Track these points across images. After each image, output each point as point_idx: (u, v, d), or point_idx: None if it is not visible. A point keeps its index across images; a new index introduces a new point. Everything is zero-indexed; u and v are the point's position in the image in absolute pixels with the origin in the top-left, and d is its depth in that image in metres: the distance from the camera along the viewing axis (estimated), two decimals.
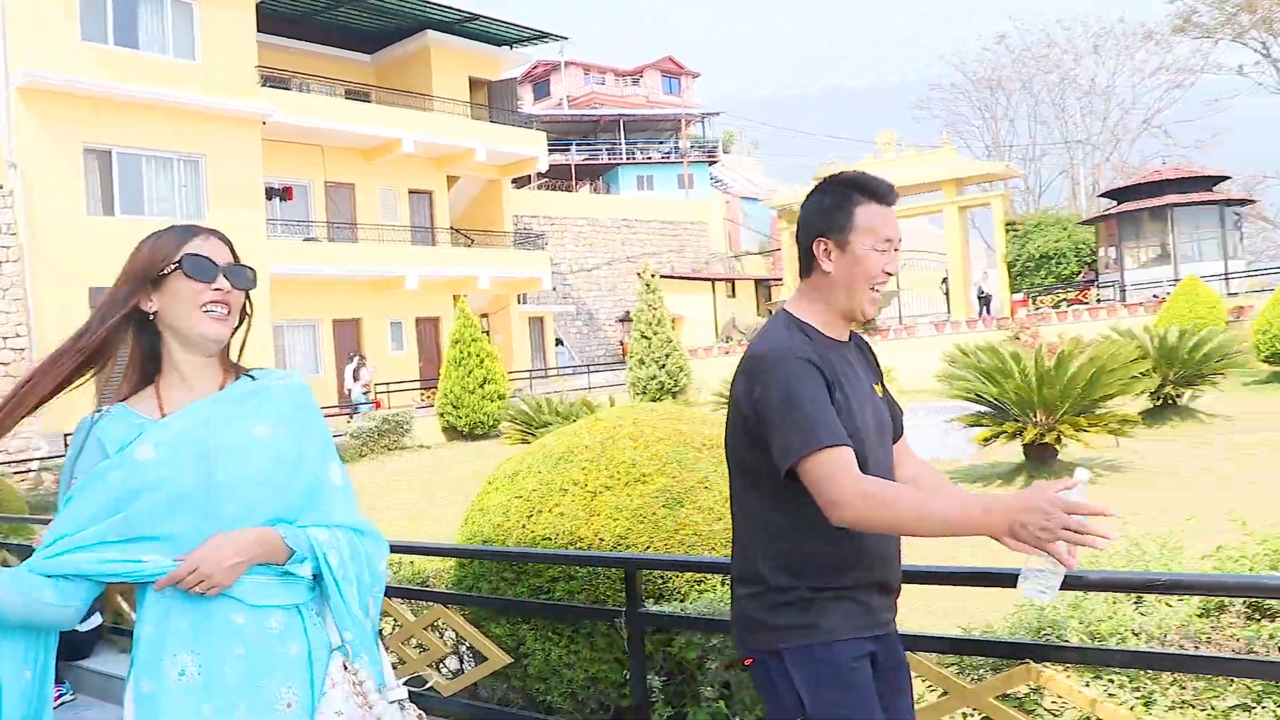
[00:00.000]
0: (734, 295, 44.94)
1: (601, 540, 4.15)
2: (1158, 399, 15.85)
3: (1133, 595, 3.15)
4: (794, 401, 2.27)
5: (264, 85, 26.60)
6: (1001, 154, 50.10)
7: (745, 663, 2.51)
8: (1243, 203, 34.36)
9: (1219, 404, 16.46)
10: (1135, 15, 65.76)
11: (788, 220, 18.50)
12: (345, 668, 2.19)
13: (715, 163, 54.65)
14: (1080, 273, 35.26)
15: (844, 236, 2.42)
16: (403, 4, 30.13)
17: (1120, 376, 11.48)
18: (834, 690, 2.35)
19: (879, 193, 2.45)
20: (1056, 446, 11.60)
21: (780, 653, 2.37)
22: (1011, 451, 12.36)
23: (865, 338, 2.68)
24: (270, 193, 27.37)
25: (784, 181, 53.33)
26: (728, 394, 2.52)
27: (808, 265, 2.50)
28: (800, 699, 2.35)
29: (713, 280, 44.36)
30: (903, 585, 2.58)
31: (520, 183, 42.44)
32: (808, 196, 2.53)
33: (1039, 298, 33.72)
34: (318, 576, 2.20)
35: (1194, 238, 31.69)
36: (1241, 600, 3.04)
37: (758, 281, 46.81)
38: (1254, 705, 2.79)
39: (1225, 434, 14.23)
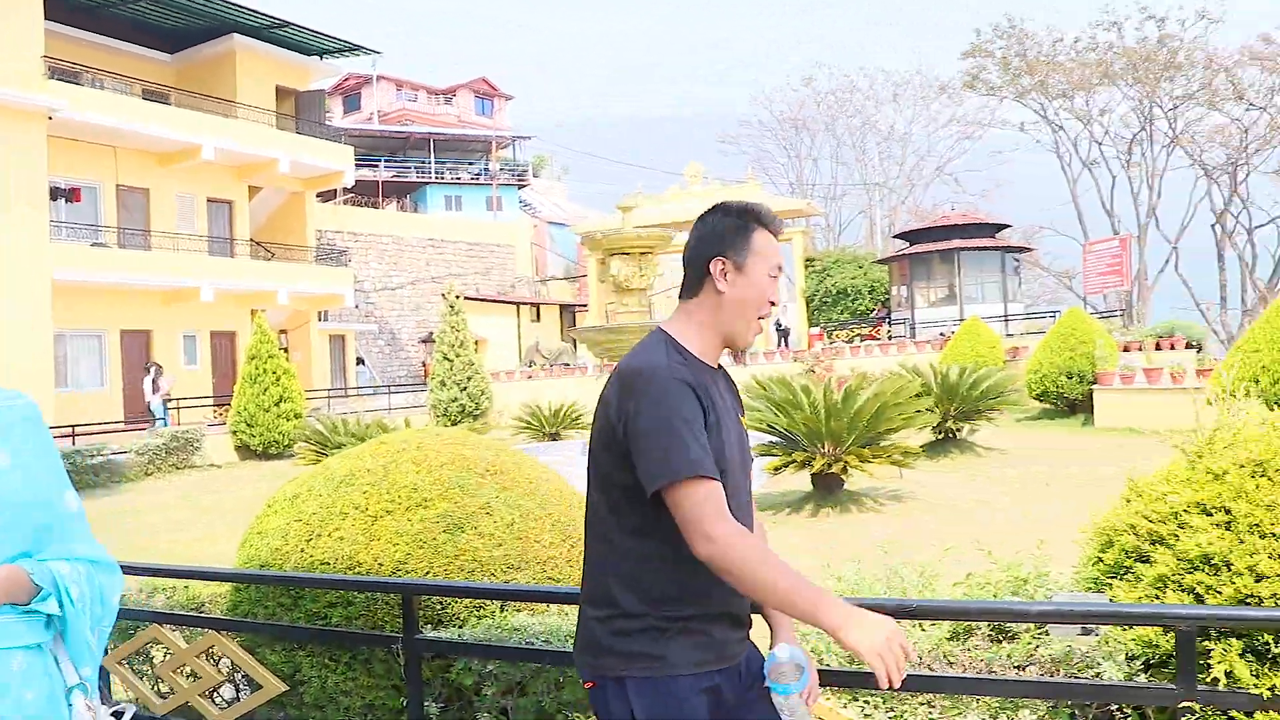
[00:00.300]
0: (539, 320, 44.98)
1: (381, 565, 4.10)
2: (939, 433, 16.65)
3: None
4: (670, 424, 2.24)
5: (51, 78, 25.18)
6: (804, 192, 51.80)
7: (586, 685, 2.46)
8: (1021, 250, 36.52)
9: (995, 438, 17.41)
10: (931, 69, 69.24)
11: (590, 248, 18.67)
12: (88, 706, 2.11)
13: (525, 186, 54.68)
14: (874, 310, 36.78)
15: (742, 258, 2.44)
16: (208, 4, 29.01)
17: (904, 411, 12.02)
18: None
19: (773, 223, 2.51)
20: (843, 476, 12.05)
21: (624, 680, 2.34)
22: (800, 481, 12.77)
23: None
24: (56, 193, 25.92)
25: (591, 208, 53.87)
26: (595, 407, 2.43)
27: (697, 285, 2.48)
28: None
29: (518, 304, 44.31)
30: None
31: (325, 196, 41.47)
32: (704, 218, 2.52)
33: (835, 332, 34.99)
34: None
35: (978, 280, 33.48)
36: (986, 624, 3.24)
37: (563, 307, 46.96)
38: None
39: (999, 467, 15.05)
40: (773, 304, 2.50)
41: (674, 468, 2.21)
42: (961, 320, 27.79)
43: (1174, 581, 2.86)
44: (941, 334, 29.44)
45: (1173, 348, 23.22)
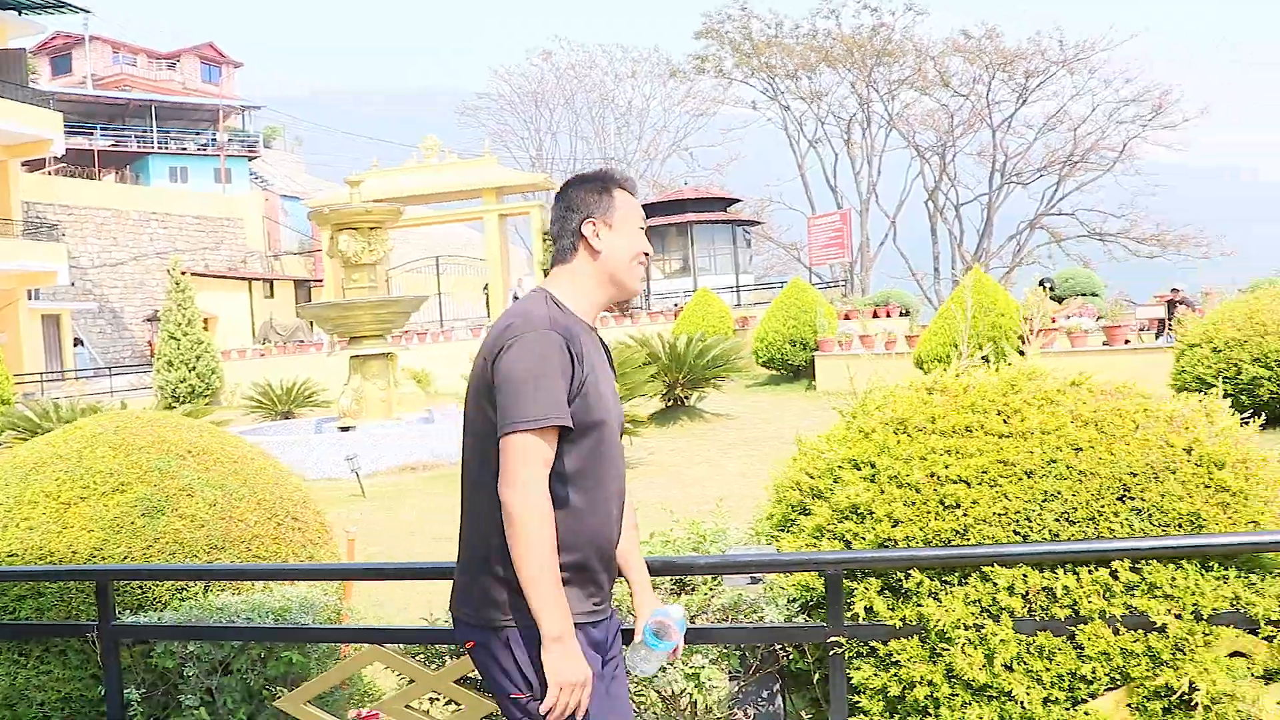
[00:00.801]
0: (272, 295, 43.46)
1: (75, 553, 3.98)
2: (669, 400, 17.20)
3: None
4: (537, 372, 2.31)
5: None
6: (544, 166, 51.99)
7: (467, 645, 2.50)
8: (752, 223, 37.95)
9: (723, 404, 18.14)
10: (668, 46, 70.60)
11: (318, 223, 18.21)
12: None
13: (256, 158, 52.58)
14: None
15: (611, 216, 2.57)
16: None
17: (632, 381, 12.38)
18: None
19: (629, 183, 2.67)
20: None
21: (508, 632, 2.39)
22: None
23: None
24: None
25: (326, 181, 52.31)
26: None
27: (571, 250, 2.59)
28: (528, 679, 2.38)
29: (250, 280, 42.65)
30: (373, 582, 2.66)
31: (33, 166, 38.66)
32: (564, 191, 2.64)
33: None
34: None
35: (710, 253, 34.61)
36: (668, 578, 3.45)
37: (297, 282, 45.52)
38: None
39: (726, 430, 15.72)
40: (647, 254, 2.65)
41: (524, 414, 2.29)
42: (695, 291, 28.69)
43: (829, 531, 3.14)
44: (676, 305, 30.28)
45: (888, 315, 24.78)
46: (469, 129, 53.83)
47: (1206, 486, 2.98)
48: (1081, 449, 2.99)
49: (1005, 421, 3.11)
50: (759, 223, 41.51)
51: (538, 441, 2.30)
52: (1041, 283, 21.65)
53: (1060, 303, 21.64)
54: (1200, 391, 10.63)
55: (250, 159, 51.77)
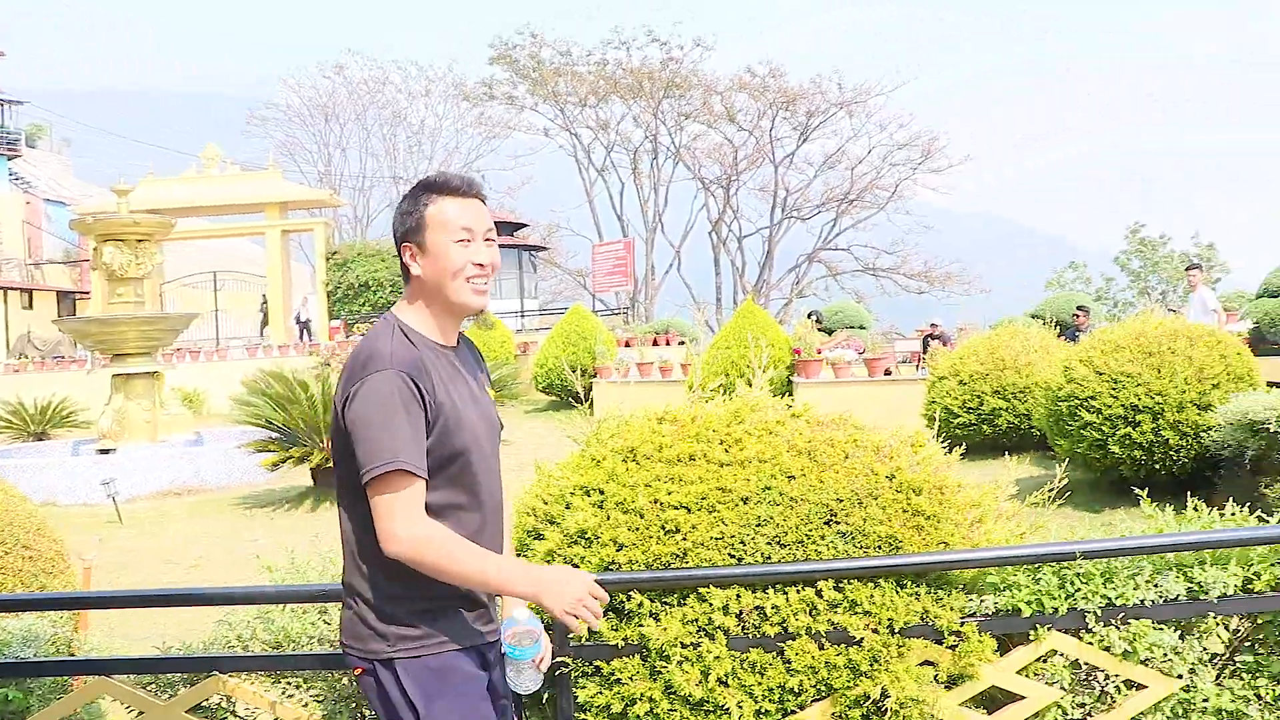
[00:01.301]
0: (31, 307, 40.86)
1: None
2: None
3: (318, 605, 3.49)
4: (383, 416, 2.26)
5: None
6: (333, 182, 50.90)
7: (356, 672, 2.44)
8: (539, 249, 38.17)
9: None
10: (464, 65, 70.26)
11: (82, 232, 17.36)
12: None
13: (16, 156, 49.49)
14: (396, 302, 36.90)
15: (421, 237, 2.46)
16: None
17: None
18: (448, 699, 2.38)
19: (452, 186, 2.51)
20: None
21: (393, 662, 2.36)
22: (301, 475, 12.69)
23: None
24: None
25: (98, 186, 49.74)
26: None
27: (406, 271, 2.52)
28: (415, 708, 2.35)
29: (5, 289, 40.04)
30: (102, 611, 2.59)
31: None
32: (401, 201, 2.56)
33: (356, 325, 34.74)
34: None
35: (497, 277, 34.58)
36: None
37: (61, 294, 42.98)
38: None
39: (502, 457, 15.72)
40: (479, 264, 2.52)
41: (377, 460, 2.25)
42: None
43: (559, 555, 3.26)
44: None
45: (668, 343, 25.30)
46: (255, 139, 52.15)
47: (905, 511, 3.24)
48: (794, 476, 3.21)
49: (727, 450, 3.30)
50: (546, 248, 41.84)
51: (398, 483, 2.27)
52: (810, 315, 22.57)
53: (830, 334, 22.61)
54: (948, 421, 11.26)
55: (10, 158, 48.67)
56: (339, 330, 33.00)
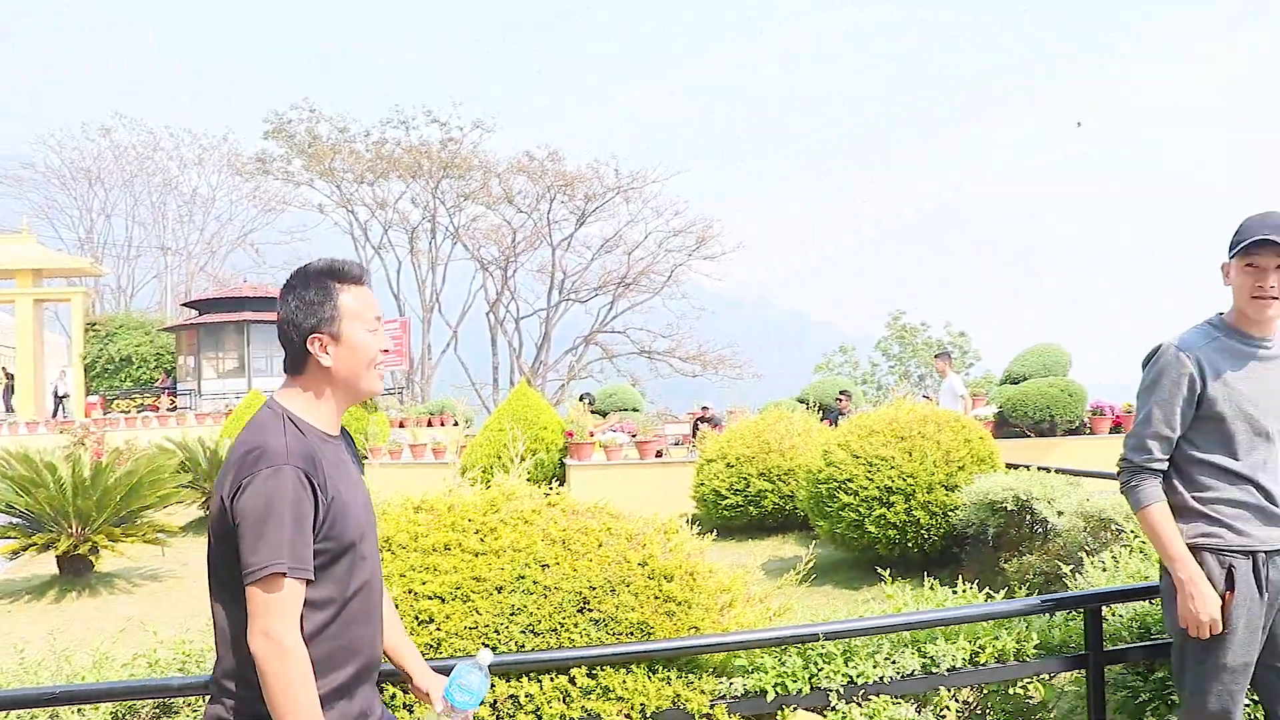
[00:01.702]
0: None
1: None
2: (208, 508, 16.37)
3: (47, 711, 3.29)
4: (273, 514, 2.18)
5: None
6: (95, 249, 48.50)
7: None
8: None
9: None
10: (240, 135, 68.56)
11: None
12: None
13: None
14: (159, 379, 35.32)
15: (335, 328, 2.39)
16: None
17: (161, 488, 11.73)
18: None
19: (355, 275, 2.47)
20: (92, 559, 11.42)
21: None
22: (46, 564, 11.91)
23: None
24: None
25: None
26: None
27: (302, 362, 2.42)
28: None
29: None
30: None
31: None
32: (284, 292, 2.44)
33: (116, 401, 33.05)
34: None
35: (269, 354, 33.59)
36: (151, 701, 3.34)
37: None
38: None
39: None
40: (385, 350, 2.49)
41: (265, 561, 2.16)
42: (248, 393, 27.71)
43: None
44: (228, 407, 29.05)
45: (443, 424, 25.06)
46: (9, 199, 49.06)
47: (656, 597, 3.33)
48: (548, 565, 3.26)
49: (482, 540, 3.33)
50: None
51: (280, 586, 2.19)
52: (583, 397, 22.80)
53: (604, 416, 22.86)
54: (716, 502, 11.51)
55: None
56: (96, 406, 31.28)
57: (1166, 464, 3.26)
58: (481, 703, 2.56)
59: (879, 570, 6.68)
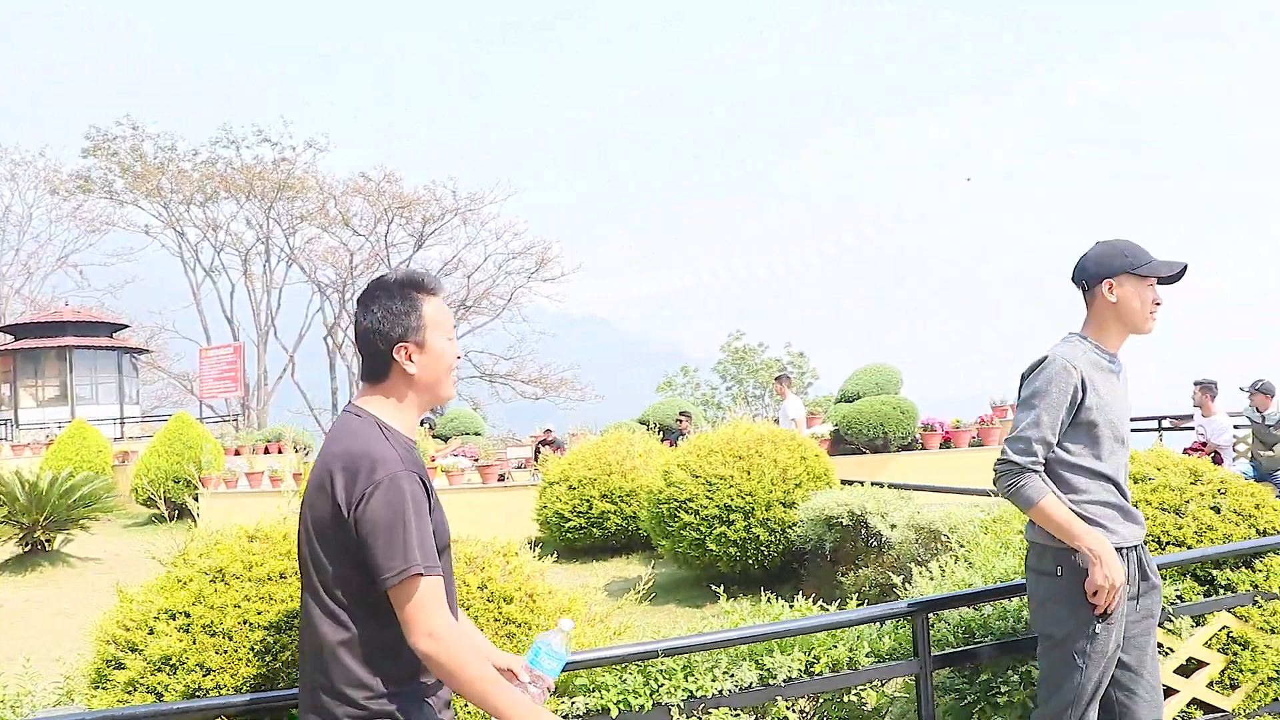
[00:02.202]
0: None
1: None
2: (26, 544, 15.58)
3: None
4: (404, 520, 2.30)
5: None
6: None
7: None
8: (141, 351, 35.93)
9: (93, 547, 16.76)
10: (58, 152, 65.55)
11: None
12: None
13: None
14: None
15: (420, 336, 2.53)
16: None
17: None
18: None
19: (434, 286, 2.61)
20: None
21: None
22: None
23: None
24: None
25: None
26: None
27: (385, 370, 2.54)
28: None
29: None
30: None
31: None
32: (368, 303, 2.56)
33: None
34: None
35: (92, 381, 32.22)
36: None
37: None
38: None
39: (95, 577, 14.52)
40: (459, 357, 2.66)
41: (405, 562, 2.28)
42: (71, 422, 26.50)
43: (141, 684, 3.10)
44: (49, 437, 27.71)
45: (280, 451, 24.39)
46: None
47: (496, 620, 3.34)
48: None
49: None
50: (149, 351, 39.37)
51: (422, 586, 2.30)
52: (424, 422, 22.53)
53: (446, 441, 22.65)
54: (560, 525, 11.56)
55: None
56: None
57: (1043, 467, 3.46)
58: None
59: (715, 588, 6.80)
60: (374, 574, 2.32)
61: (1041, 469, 3.45)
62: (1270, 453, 12.02)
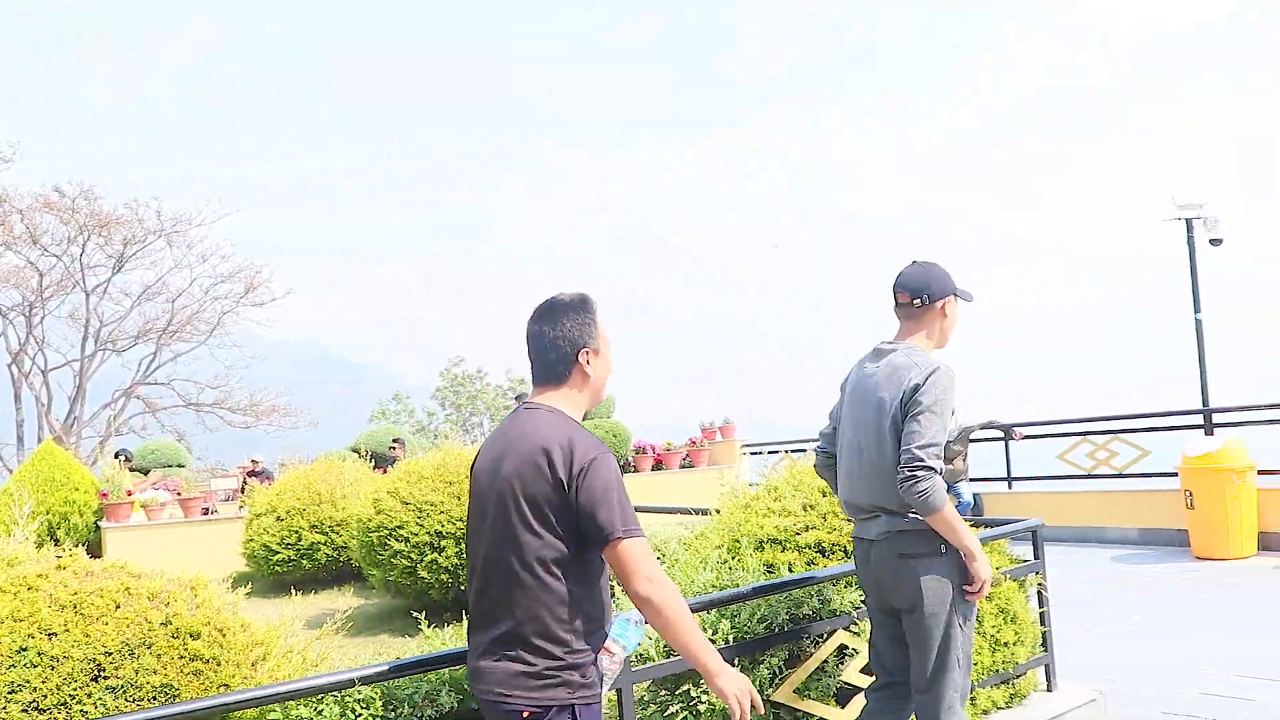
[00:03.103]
0: None
1: None
2: None
3: None
4: (617, 487, 2.77)
5: None
6: None
7: (525, 715, 2.70)
8: None
9: None
10: None
11: None
12: None
13: None
14: None
15: (597, 343, 3.01)
16: None
17: None
18: None
19: (596, 305, 3.05)
20: None
21: (573, 707, 2.73)
22: None
23: None
24: None
25: None
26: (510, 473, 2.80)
27: (566, 373, 2.98)
28: None
29: None
30: None
31: None
32: (556, 316, 2.98)
33: None
34: None
35: None
36: None
37: None
38: None
39: None
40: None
41: (628, 522, 2.75)
42: None
43: None
44: None
45: None
46: None
47: (182, 657, 3.18)
48: (56, 634, 3.03)
49: None
50: None
51: (641, 541, 2.75)
52: (119, 454, 21.19)
53: (146, 474, 21.37)
54: (268, 558, 11.12)
55: None
56: None
57: None
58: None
59: (438, 614, 6.72)
60: (598, 533, 2.73)
61: None
62: (950, 466, 12.98)
